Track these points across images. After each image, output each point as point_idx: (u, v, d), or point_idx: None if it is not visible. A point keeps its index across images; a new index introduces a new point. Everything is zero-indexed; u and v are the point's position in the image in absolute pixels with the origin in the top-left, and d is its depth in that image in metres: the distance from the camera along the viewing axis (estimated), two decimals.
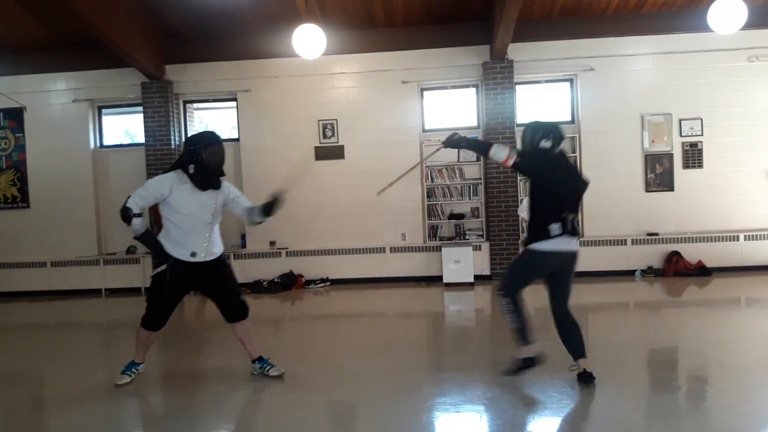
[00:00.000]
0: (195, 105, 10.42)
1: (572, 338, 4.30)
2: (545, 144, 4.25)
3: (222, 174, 4.57)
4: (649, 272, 9.19)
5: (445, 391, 4.25)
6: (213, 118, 10.98)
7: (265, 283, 9.48)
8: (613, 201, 9.38)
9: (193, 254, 4.46)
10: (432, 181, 9.66)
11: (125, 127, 10.74)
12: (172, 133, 9.82)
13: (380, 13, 9.23)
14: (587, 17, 9.27)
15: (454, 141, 4.55)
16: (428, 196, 9.68)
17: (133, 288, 9.78)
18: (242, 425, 3.95)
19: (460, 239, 9.64)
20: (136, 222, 4.34)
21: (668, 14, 9.20)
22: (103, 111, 10.40)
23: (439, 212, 9.75)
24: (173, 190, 4.38)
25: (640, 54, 9.39)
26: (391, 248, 9.77)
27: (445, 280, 9.16)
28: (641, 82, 9.40)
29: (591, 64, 9.40)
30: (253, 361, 4.84)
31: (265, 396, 4.43)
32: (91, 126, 10.18)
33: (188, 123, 10.25)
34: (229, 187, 4.71)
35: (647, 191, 9.42)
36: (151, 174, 9.73)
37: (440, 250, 9.35)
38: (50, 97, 10.19)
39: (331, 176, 9.77)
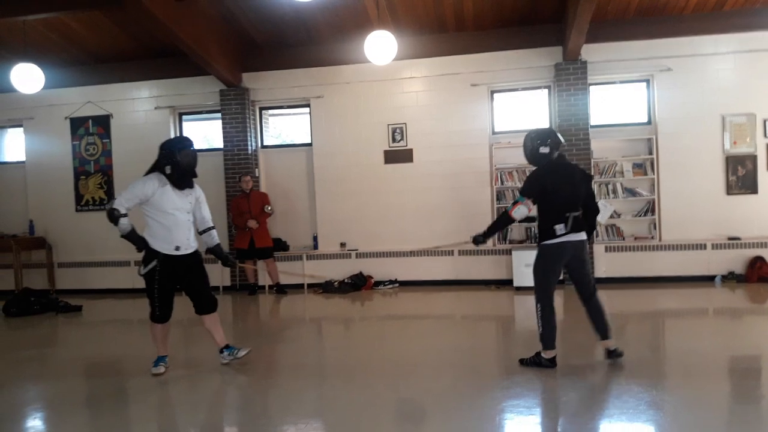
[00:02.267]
0: (270, 111, 10.75)
1: (600, 323, 4.80)
2: (544, 150, 4.72)
3: (194, 175, 5.06)
4: (730, 278, 8.85)
5: (518, 394, 4.25)
6: (287, 124, 11.28)
7: (335, 283, 9.67)
8: (692, 204, 9.09)
9: (177, 248, 4.94)
10: (502, 184, 9.61)
11: (204, 133, 11.17)
12: (248, 138, 10.16)
13: (451, 18, 9.26)
14: (664, 16, 9.02)
15: (480, 238, 5.02)
16: (498, 199, 9.63)
17: (213, 287, 10.12)
18: (315, 421, 4.07)
19: (531, 242, 9.54)
20: (123, 222, 4.78)
21: (751, 11, 8.83)
22: (184, 117, 10.86)
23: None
24: (156, 191, 4.83)
25: (721, 53, 9.05)
26: (459, 251, 9.77)
27: (515, 284, 9.09)
28: (722, 82, 9.06)
29: (668, 65, 9.13)
30: (221, 351, 5.33)
31: (335, 393, 4.55)
32: (172, 132, 10.64)
33: (264, 129, 10.58)
34: (199, 189, 5.21)
35: (728, 194, 9.06)
36: (229, 177, 10.14)
37: (510, 254, 9.29)
38: (134, 104, 10.75)
39: (400, 179, 9.88)
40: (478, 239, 5.02)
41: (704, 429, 3.52)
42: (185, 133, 10.85)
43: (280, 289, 9.75)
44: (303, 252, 10.18)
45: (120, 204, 4.78)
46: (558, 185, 4.61)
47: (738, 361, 5.13)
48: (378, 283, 9.82)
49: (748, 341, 5.74)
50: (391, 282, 9.83)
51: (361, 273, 9.86)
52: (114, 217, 4.75)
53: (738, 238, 8.97)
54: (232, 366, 5.31)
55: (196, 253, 5.14)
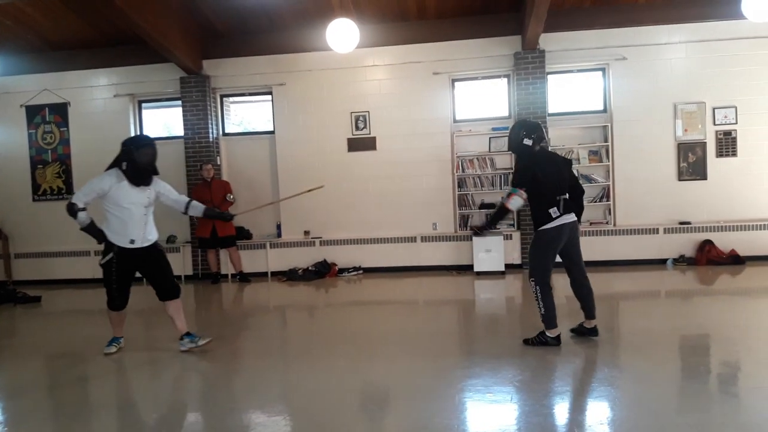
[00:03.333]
0: (231, 99, 10.69)
1: (588, 302, 5.12)
2: (527, 142, 4.96)
3: (154, 172, 5.25)
4: (681, 261, 9.20)
5: (477, 374, 4.41)
6: (249, 112, 11.23)
7: (299, 271, 9.73)
8: (645, 190, 9.40)
9: (132, 241, 5.15)
10: (463, 171, 9.76)
11: (164, 121, 11.05)
12: (209, 126, 10.09)
13: (412, 6, 9.34)
14: (619, 6, 9.25)
15: (482, 227, 5.33)
16: (459, 186, 9.79)
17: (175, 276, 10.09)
18: (280, 406, 4.16)
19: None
20: (81, 215, 5.05)
21: (702, 2, 9.12)
22: (143, 105, 10.72)
23: (470, 202, 9.85)
24: (112, 186, 5.04)
25: (673, 42, 9.34)
26: (422, 237, 9.92)
27: (476, 269, 9.28)
28: (674, 71, 9.36)
29: (623, 54, 9.38)
30: (181, 338, 5.46)
31: (300, 377, 4.63)
32: (131, 120, 10.51)
33: (225, 116, 10.52)
34: (160, 182, 5.37)
35: (680, 180, 9.39)
36: (190, 165, 10.08)
37: (471, 239, 9.46)
38: (93, 92, 10.56)
39: (364, 167, 9.96)
40: (477, 232, 5.32)
41: (654, 403, 3.71)
42: (145, 121, 10.73)
43: (243, 278, 9.77)
44: (266, 240, 10.19)
45: (78, 198, 5.02)
46: (546, 172, 4.86)
47: (687, 340, 5.37)
48: (342, 270, 9.90)
49: (696, 321, 6.01)
50: (355, 269, 9.92)
51: (325, 260, 9.93)
52: (73, 211, 5.00)
53: (689, 223, 9.32)
54: (196, 353, 5.35)
55: (153, 245, 5.32)
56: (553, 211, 4.85)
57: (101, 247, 5.17)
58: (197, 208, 5.50)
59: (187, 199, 5.51)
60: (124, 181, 5.05)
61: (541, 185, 4.84)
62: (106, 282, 5.26)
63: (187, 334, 5.45)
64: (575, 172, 9.22)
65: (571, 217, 4.96)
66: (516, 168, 5.05)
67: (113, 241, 5.11)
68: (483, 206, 9.76)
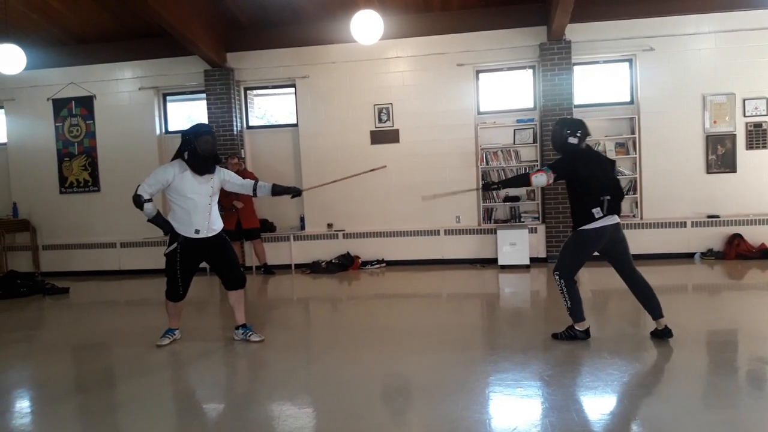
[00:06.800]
0: (255, 91, 10.71)
1: (649, 301, 4.88)
2: (572, 140, 4.79)
3: (217, 161, 5.25)
4: (709, 255, 9.06)
5: (506, 368, 4.38)
6: (273, 104, 11.25)
7: (323, 263, 9.75)
8: (673, 183, 9.26)
9: (197, 231, 5.17)
10: (487, 164, 9.69)
11: (188, 114, 11.11)
12: (233, 118, 10.13)
13: None
14: None
15: (491, 185, 5.20)
16: (483, 179, 9.72)
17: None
18: (309, 397, 4.17)
19: (516, 222, 9.68)
20: (148, 206, 5.02)
21: None
22: (168, 98, 10.80)
23: (494, 195, 9.78)
24: (176, 176, 5.06)
25: (702, 33, 9.16)
26: (445, 230, 9.88)
27: (500, 263, 9.22)
28: (703, 62, 9.18)
29: (651, 44, 9.23)
30: (237, 327, 5.55)
31: (326, 370, 4.63)
32: (156, 112, 10.61)
33: (249, 109, 10.55)
34: (223, 170, 5.40)
35: (708, 173, 9.23)
36: None
37: (495, 233, 9.41)
38: (118, 85, 10.65)
39: (387, 160, 9.80)
40: (490, 185, 5.18)
41: (684, 400, 3.66)
42: (170, 114, 10.81)
43: (268, 270, 9.81)
44: (290, 233, 10.23)
45: (143, 190, 5.01)
46: (592, 170, 4.72)
47: (717, 335, 5.30)
48: (365, 263, 9.90)
49: (726, 316, 5.92)
50: (378, 262, 9.92)
51: (348, 253, 9.94)
52: (139, 203, 4.98)
53: (717, 216, 9.16)
54: (220, 346, 5.39)
55: (218, 235, 5.33)
56: (597, 212, 4.70)
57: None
58: (265, 188, 5.47)
59: (253, 181, 5.50)
60: (187, 171, 5.08)
61: (585, 183, 4.70)
62: (168, 272, 5.29)
63: (243, 326, 5.52)
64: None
65: (614, 219, 4.80)
66: (561, 156, 4.90)
67: (178, 231, 5.16)
68: (507, 199, 9.69)
